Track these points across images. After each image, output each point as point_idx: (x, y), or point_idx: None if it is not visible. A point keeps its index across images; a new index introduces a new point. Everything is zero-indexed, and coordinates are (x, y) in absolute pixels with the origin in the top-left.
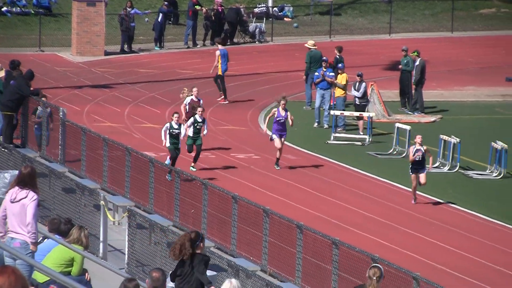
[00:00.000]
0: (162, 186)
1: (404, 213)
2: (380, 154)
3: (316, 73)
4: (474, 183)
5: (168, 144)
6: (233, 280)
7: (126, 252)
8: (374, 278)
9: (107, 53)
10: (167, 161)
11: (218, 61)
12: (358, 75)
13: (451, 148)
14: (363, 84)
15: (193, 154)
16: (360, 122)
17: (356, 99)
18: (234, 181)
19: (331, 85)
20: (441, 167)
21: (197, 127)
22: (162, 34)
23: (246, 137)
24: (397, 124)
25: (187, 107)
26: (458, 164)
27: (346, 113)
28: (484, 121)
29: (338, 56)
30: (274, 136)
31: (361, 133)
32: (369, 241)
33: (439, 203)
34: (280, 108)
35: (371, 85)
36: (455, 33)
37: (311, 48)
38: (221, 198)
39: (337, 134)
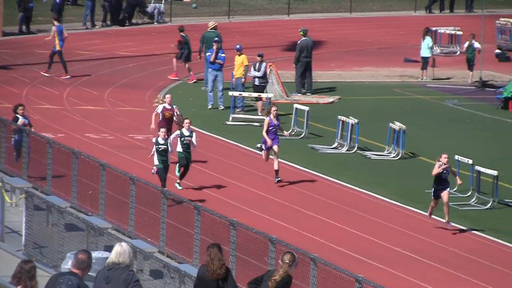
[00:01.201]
0: (60, 167)
1: (302, 194)
2: (279, 135)
3: (208, 53)
4: (372, 164)
5: (156, 162)
6: (123, 244)
7: (24, 234)
8: (287, 262)
9: (5, 34)
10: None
11: (55, 37)
12: (258, 55)
13: (349, 129)
14: (264, 64)
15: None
16: (259, 103)
17: (256, 79)
18: (132, 162)
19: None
20: (340, 148)
21: (184, 141)
22: (61, 15)
23: (144, 118)
24: (296, 105)
25: (160, 115)
26: (357, 145)
27: (245, 94)
28: (382, 102)
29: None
30: (263, 147)
31: (260, 114)
32: (268, 223)
33: (338, 184)
34: (272, 116)
35: (270, 66)
36: (353, 13)
37: (209, 29)
38: (119, 179)
39: (235, 115)
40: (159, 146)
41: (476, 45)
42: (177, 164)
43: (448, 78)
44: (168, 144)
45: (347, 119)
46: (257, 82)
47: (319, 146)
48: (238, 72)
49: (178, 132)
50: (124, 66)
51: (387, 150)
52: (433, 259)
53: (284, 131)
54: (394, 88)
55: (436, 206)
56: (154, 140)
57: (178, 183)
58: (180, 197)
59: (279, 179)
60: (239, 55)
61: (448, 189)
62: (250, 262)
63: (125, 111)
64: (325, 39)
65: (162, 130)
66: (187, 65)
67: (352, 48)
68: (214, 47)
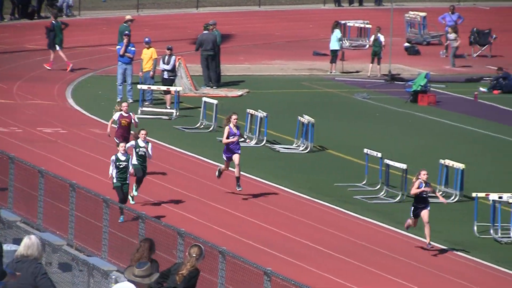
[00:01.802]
0: None
1: (211, 187)
2: (187, 128)
3: (118, 46)
4: (281, 157)
5: (115, 181)
6: (32, 237)
7: None
8: (194, 255)
9: None
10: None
11: None
12: (168, 49)
13: (258, 122)
14: (173, 58)
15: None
16: (168, 96)
17: (165, 72)
18: (41, 156)
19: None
20: (248, 141)
21: (139, 152)
22: None
23: (53, 111)
24: (204, 98)
25: (117, 122)
26: (265, 138)
27: (154, 87)
28: (291, 95)
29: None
30: (224, 157)
31: (169, 107)
32: (175, 215)
33: (246, 177)
34: (232, 125)
35: (179, 59)
36: (262, 7)
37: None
38: (28, 172)
39: (144, 108)
40: (120, 163)
41: (382, 38)
42: (135, 182)
43: (357, 72)
44: (129, 161)
45: (256, 113)
46: (166, 75)
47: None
48: (147, 65)
49: (133, 142)
50: (33, 60)
51: (296, 144)
52: (342, 253)
53: (247, 140)
54: (303, 81)
55: (415, 225)
56: (113, 157)
57: (132, 196)
58: (88, 190)
59: (240, 188)
60: (148, 48)
61: (428, 208)
62: (157, 254)
63: (34, 104)
64: (234, 32)
65: (122, 145)
66: (61, 53)
67: (261, 41)
68: (125, 41)
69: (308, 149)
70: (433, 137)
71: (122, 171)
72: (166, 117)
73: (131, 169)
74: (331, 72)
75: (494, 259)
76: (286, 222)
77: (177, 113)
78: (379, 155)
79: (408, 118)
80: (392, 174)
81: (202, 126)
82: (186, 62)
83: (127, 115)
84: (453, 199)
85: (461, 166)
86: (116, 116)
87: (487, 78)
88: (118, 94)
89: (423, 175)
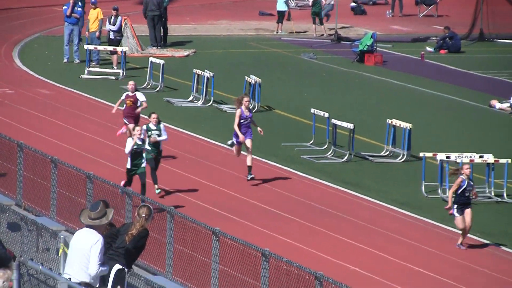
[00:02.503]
0: None
1: (168, 150)
2: None
3: (65, 7)
4: (228, 117)
5: (129, 166)
6: None
7: None
8: (143, 216)
9: None
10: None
11: None
12: (114, 9)
13: (205, 82)
14: (119, 18)
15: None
16: (114, 57)
17: (111, 33)
18: None
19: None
20: (195, 101)
21: (151, 135)
22: None
23: (0, 72)
24: (151, 59)
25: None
26: (212, 98)
27: (100, 47)
28: (238, 55)
29: None
30: (235, 141)
31: (115, 67)
32: (121, 174)
33: (194, 137)
34: (244, 108)
35: (125, 19)
36: None
37: None
38: None
39: (91, 69)
40: (138, 147)
41: None
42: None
43: (303, 32)
44: (147, 143)
45: (203, 73)
46: (112, 36)
47: (174, 99)
48: (93, 26)
49: (144, 126)
50: None
51: None
52: (290, 212)
53: (258, 128)
54: (250, 41)
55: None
56: (130, 140)
57: (156, 187)
58: (37, 150)
59: (252, 176)
60: (94, 9)
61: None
62: None
63: None
64: None
65: (138, 128)
66: None
67: (207, 1)
68: (71, 1)
69: (255, 109)
70: (380, 96)
71: (137, 157)
72: (113, 77)
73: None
74: (277, 32)
75: (441, 219)
76: (232, 182)
77: (124, 73)
78: (326, 115)
79: (355, 78)
80: (339, 134)
81: (149, 86)
82: (132, 22)
83: (132, 94)
84: (400, 159)
85: (408, 125)
86: (123, 96)
87: (434, 38)
88: (65, 55)
89: (466, 169)
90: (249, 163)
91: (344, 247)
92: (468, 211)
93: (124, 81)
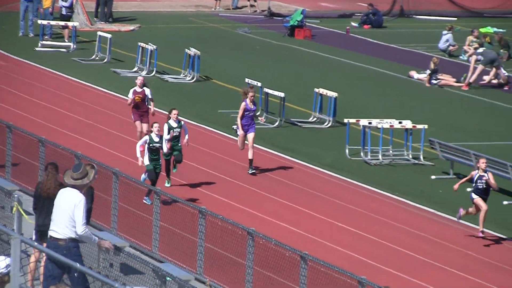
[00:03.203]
0: None
1: (104, 113)
2: (84, 60)
3: None
4: (170, 86)
5: (147, 162)
6: None
7: None
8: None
9: None
10: (143, 177)
11: None
12: None
13: (149, 54)
14: None
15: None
16: (66, 31)
17: (63, 9)
18: None
19: None
20: (139, 72)
21: (174, 134)
22: None
23: None
24: (99, 33)
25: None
26: (155, 69)
27: (53, 22)
28: (179, 30)
29: None
30: (238, 132)
31: (66, 40)
32: (72, 140)
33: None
34: (248, 101)
35: None
36: None
37: None
38: None
39: (44, 42)
40: (153, 145)
41: None
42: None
43: (239, 8)
44: (164, 142)
45: (147, 46)
46: (64, 12)
47: (120, 70)
48: (46, 2)
49: (166, 126)
50: None
51: (183, 74)
52: (225, 173)
53: (260, 118)
54: (190, 17)
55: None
56: (146, 138)
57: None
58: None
59: (253, 171)
60: None
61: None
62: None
63: None
64: None
65: (156, 125)
66: None
67: None
68: None
69: (195, 79)
70: (308, 68)
71: (155, 153)
72: (65, 50)
73: (165, 150)
74: (215, 9)
75: (363, 179)
76: None
77: (75, 46)
78: (259, 84)
79: (286, 50)
80: (271, 102)
81: (97, 58)
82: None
83: (140, 90)
84: (326, 125)
85: (334, 94)
86: (130, 93)
87: (358, 14)
88: (20, 29)
89: (482, 163)
90: (250, 156)
91: (276, 205)
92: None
93: (75, 54)
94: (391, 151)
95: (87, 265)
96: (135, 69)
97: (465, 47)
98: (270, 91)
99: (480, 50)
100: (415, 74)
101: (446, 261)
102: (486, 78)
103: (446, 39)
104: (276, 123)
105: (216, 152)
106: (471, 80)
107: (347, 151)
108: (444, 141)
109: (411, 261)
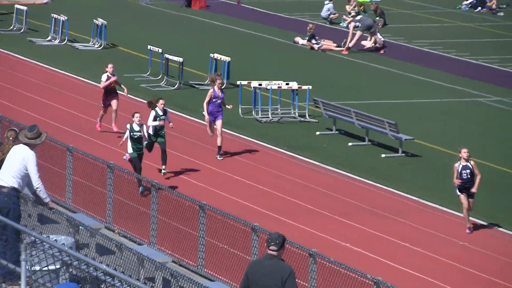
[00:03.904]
0: None
1: (22, 78)
2: (3, 30)
3: None
4: (80, 53)
5: (130, 151)
6: None
7: None
8: (11, 139)
9: None
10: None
11: None
12: None
13: (61, 24)
14: None
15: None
16: None
17: None
18: None
19: None
20: (53, 41)
21: (159, 122)
22: None
23: None
24: (16, 5)
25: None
26: (67, 37)
27: None
28: (88, 1)
29: None
30: (208, 118)
31: None
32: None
33: (52, 70)
34: (216, 88)
35: None
36: None
37: None
38: None
39: None
40: (134, 133)
41: None
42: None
43: None
44: (144, 131)
45: (59, 17)
46: None
47: (36, 39)
48: None
49: (153, 113)
50: None
51: (92, 42)
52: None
53: (227, 105)
54: None
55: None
56: (128, 126)
57: (163, 169)
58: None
59: (221, 158)
60: None
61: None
62: None
63: None
64: None
65: (137, 115)
66: None
67: None
68: None
69: (102, 46)
70: (204, 35)
71: (137, 142)
72: None
73: (146, 139)
74: None
75: (255, 135)
76: (84, 107)
77: None
78: (160, 50)
79: (184, 20)
80: (171, 66)
81: (15, 28)
82: None
83: (112, 75)
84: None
85: (227, 59)
86: (104, 77)
87: None
88: None
89: (464, 153)
90: (219, 143)
91: (174, 158)
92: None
93: None
94: (279, 110)
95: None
96: (49, 38)
97: (345, 16)
98: (170, 57)
99: (358, 17)
100: (300, 40)
101: (322, 205)
102: (365, 43)
103: (327, 8)
104: (176, 85)
105: (123, 112)
106: (350, 45)
107: (240, 110)
108: (327, 100)
109: (296, 208)
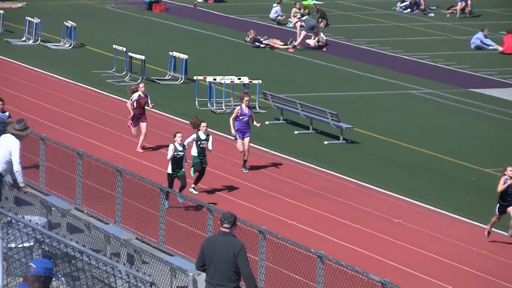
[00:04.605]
0: None
1: (6, 78)
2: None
3: None
4: (52, 52)
5: (170, 171)
6: None
7: None
8: None
9: None
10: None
11: None
12: None
13: (34, 26)
14: None
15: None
16: None
17: None
18: None
19: None
20: (27, 41)
21: (201, 145)
22: None
23: None
24: None
25: (135, 103)
26: (40, 38)
27: None
28: (60, 7)
29: None
30: (237, 136)
31: None
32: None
33: (26, 67)
34: (244, 105)
35: None
36: None
37: None
38: None
39: None
40: (177, 153)
41: None
42: (192, 167)
43: None
44: (195, 151)
45: (32, 19)
46: None
47: (12, 40)
48: None
49: (194, 135)
50: None
51: (63, 42)
52: (97, 122)
53: (256, 123)
54: None
55: (499, 221)
56: (171, 146)
57: (193, 187)
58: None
59: (247, 171)
60: None
61: None
62: None
63: None
64: None
65: (178, 135)
66: None
67: None
68: None
69: (72, 46)
70: (164, 36)
71: (179, 161)
72: None
73: (186, 159)
74: None
75: (210, 125)
76: (56, 101)
77: None
78: (124, 49)
79: (145, 22)
80: (134, 64)
81: None
82: None
83: (144, 95)
84: (179, 81)
85: (185, 56)
86: (135, 97)
87: None
88: None
89: (510, 171)
90: (245, 158)
91: (129, 142)
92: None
93: None
94: (232, 102)
95: None
96: (24, 38)
97: (291, 18)
98: (133, 55)
99: (303, 18)
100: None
101: (271, 188)
102: (309, 41)
103: (275, 10)
104: (138, 81)
105: (90, 104)
106: (296, 44)
107: (196, 102)
108: (275, 93)
109: (248, 190)
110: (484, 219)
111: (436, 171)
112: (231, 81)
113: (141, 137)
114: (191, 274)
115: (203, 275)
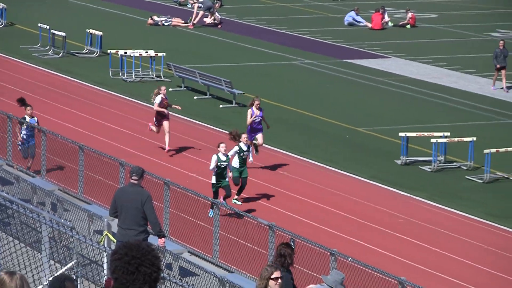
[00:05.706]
0: None
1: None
2: None
3: None
4: None
5: (214, 181)
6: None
7: None
8: None
9: None
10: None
11: None
12: None
13: None
14: None
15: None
16: None
17: None
18: None
19: None
20: None
21: (243, 156)
22: None
23: None
24: None
25: (159, 106)
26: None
27: None
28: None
29: None
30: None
31: None
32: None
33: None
34: (254, 108)
35: None
36: None
37: None
38: None
39: None
40: (221, 163)
41: None
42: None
43: None
44: (237, 162)
45: None
46: None
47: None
48: None
49: (236, 148)
50: None
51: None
52: (40, 95)
53: (267, 125)
54: None
55: None
56: (215, 157)
57: (236, 199)
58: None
59: (250, 160)
60: None
61: None
62: None
63: None
64: None
65: (222, 145)
66: None
67: None
68: None
69: (3, 25)
70: (82, 15)
71: (222, 171)
72: None
73: (230, 174)
74: None
75: (122, 91)
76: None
77: None
78: (48, 27)
79: (67, 3)
80: (56, 40)
81: None
82: None
83: (165, 97)
84: (95, 54)
85: (100, 33)
86: (158, 99)
87: None
88: None
89: None
90: (259, 144)
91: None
92: None
93: None
94: (140, 72)
95: None
96: None
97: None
98: (56, 32)
99: (201, 0)
100: (155, 17)
101: (175, 146)
102: (206, 20)
103: None
104: (61, 54)
105: (20, 75)
106: (194, 22)
107: (110, 73)
108: (177, 64)
109: (154, 147)
110: (358, 171)
111: (316, 130)
112: (139, 54)
113: (167, 136)
114: (105, 219)
115: (116, 220)
